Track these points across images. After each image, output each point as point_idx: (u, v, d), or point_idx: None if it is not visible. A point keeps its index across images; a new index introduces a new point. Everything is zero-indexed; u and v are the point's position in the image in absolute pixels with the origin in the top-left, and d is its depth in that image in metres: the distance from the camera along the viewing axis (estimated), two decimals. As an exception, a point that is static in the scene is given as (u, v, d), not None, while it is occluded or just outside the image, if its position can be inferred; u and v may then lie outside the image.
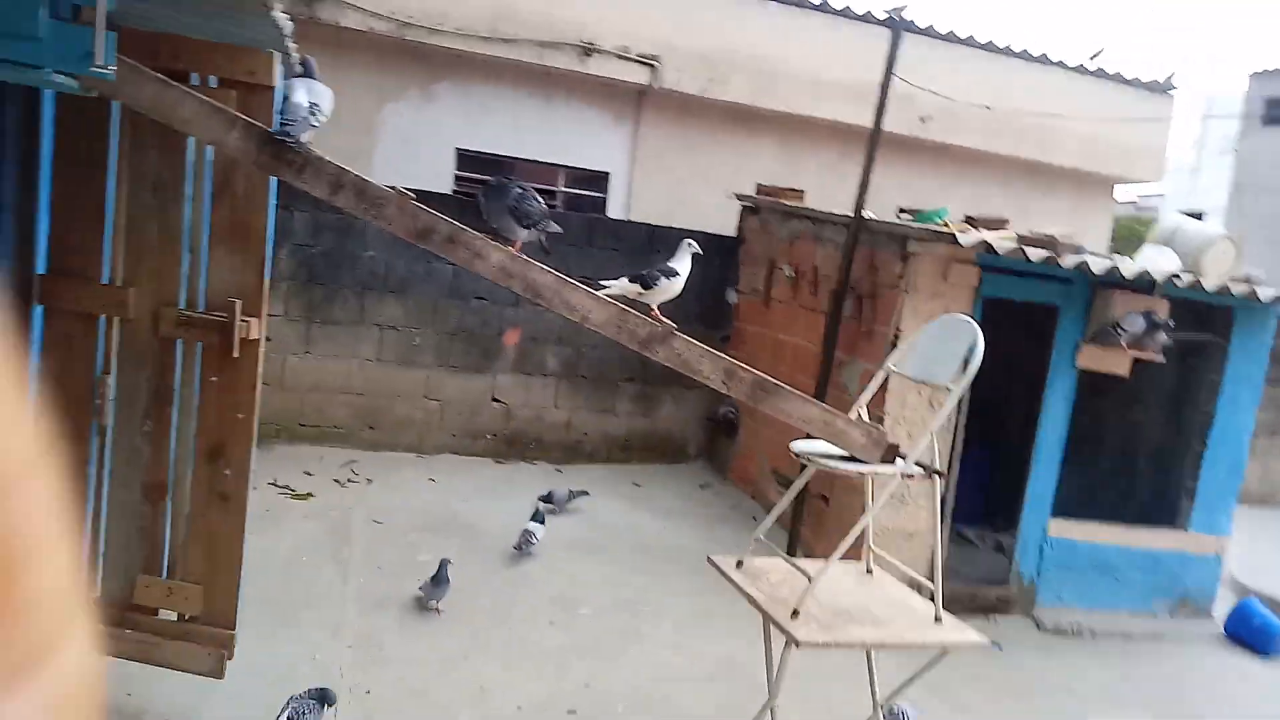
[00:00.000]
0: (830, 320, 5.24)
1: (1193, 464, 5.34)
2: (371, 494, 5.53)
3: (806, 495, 4.85)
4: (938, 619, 2.89)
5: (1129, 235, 15.65)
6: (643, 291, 2.74)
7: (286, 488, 5.36)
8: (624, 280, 2.74)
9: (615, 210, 7.69)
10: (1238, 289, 5.03)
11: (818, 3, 7.85)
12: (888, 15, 7.83)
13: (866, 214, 5.18)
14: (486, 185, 2.61)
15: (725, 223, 7.07)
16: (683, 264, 2.80)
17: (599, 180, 7.75)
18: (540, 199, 2.70)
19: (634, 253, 6.33)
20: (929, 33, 8.28)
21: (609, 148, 7.68)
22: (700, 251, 2.95)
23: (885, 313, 5.00)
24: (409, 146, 7.07)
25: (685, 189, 7.64)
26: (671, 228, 6.49)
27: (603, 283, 2.74)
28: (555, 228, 2.74)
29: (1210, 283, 4.97)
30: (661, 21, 7.26)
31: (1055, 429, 5.05)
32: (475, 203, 2.81)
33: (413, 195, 2.44)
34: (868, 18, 7.96)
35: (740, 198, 6.97)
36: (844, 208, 5.81)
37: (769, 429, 5.94)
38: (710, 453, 7.09)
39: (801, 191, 6.73)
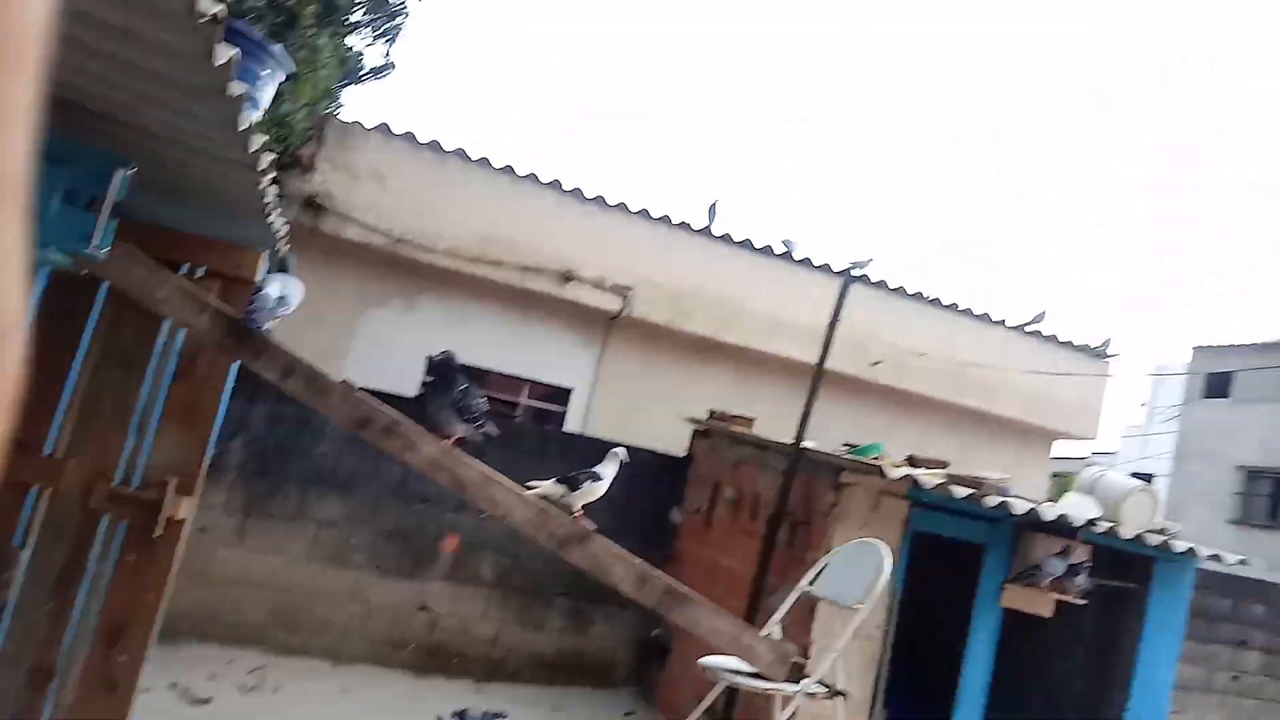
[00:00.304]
0: (765, 545, 5.38)
1: (1115, 713, 5.32)
2: (274, 705, 5.24)
3: (732, 712, 4.77)
4: None
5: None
6: (568, 493, 2.93)
7: (186, 691, 5.11)
8: (551, 482, 2.93)
9: (574, 425, 7.99)
10: (1153, 539, 5.26)
11: (780, 252, 8.62)
12: (845, 269, 8.60)
13: (806, 444, 5.47)
14: (430, 368, 2.84)
15: (677, 443, 7.35)
16: (608, 470, 3.01)
17: (562, 396, 8.12)
18: (482, 396, 2.94)
19: (585, 465, 6.52)
20: (882, 286, 9.04)
21: (575, 366, 8.11)
22: (628, 460, 3.17)
23: (817, 540, 5.15)
24: (383, 350, 7.44)
25: (642, 409, 8.00)
26: (624, 444, 6.74)
27: (530, 483, 2.92)
28: (494, 428, 2.96)
29: (1127, 531, 5.21)
30: (637, 257, 7.92)
31: (979, 667, 5.08)
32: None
33: (357, 387, 2.68)
34: (825, 268, 8.71)
35: (692, 420, 7.30)
36: (790, 438, 6.12)
37: (703, 651, 5.88)
38: (639, 678, 6.92)
39: (752, 419, 7.07)
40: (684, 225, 8.20)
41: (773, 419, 7.76)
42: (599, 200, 7.92)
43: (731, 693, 4.49)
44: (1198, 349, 21.83)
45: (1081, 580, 5.09)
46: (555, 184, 7.82)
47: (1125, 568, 5.53)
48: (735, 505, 6.19)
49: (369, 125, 7.34)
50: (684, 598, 2.89)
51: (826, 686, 2.98)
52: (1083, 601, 5.14)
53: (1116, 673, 5.51)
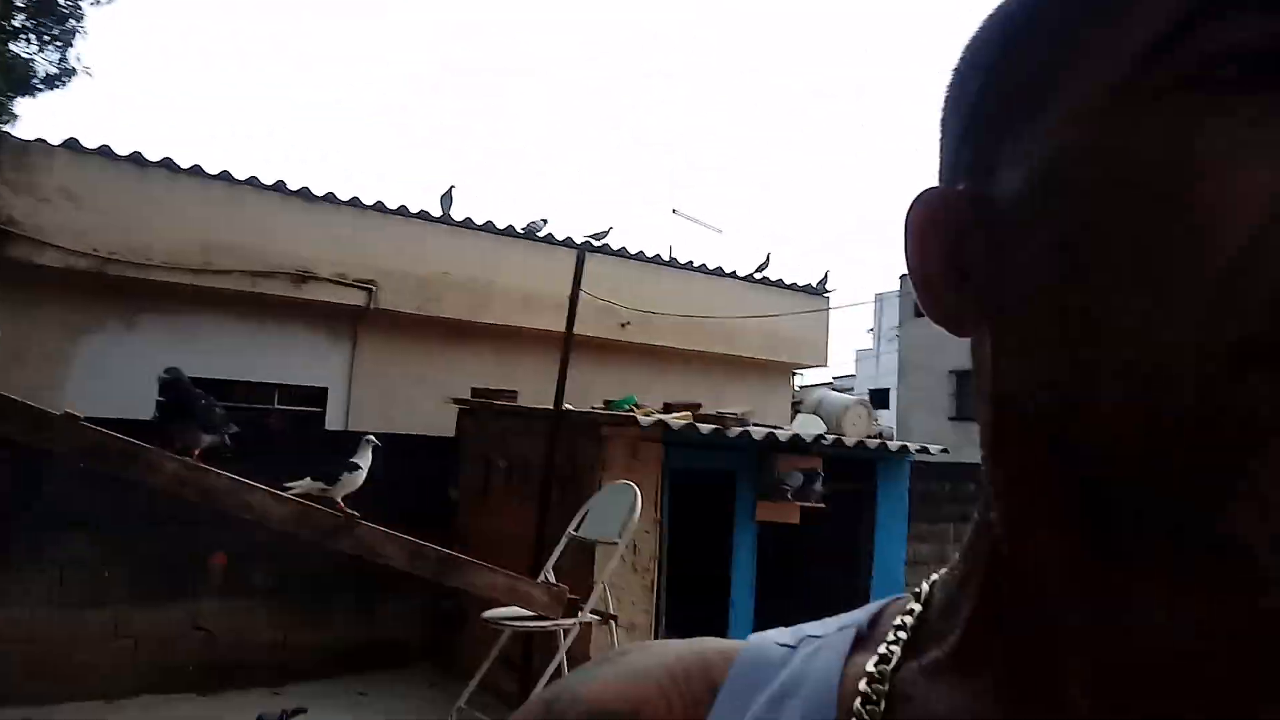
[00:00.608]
0: (541, 505, 5.64)
1: (863, 593, 6.15)
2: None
3: (531, 672, 5.02)
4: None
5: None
6: (326, 488, 2.99)
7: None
8: (307, 480, 2.98)
9: (334, 422, 7.82)
10: (872, 443, 6.08)
11: (524, 232, 8.85)
12: (581, 243, 9.00)
13: (567, 407, 5.77)
14: (162, 387, 2.81)
15: (445, 425, 7.43)
16: (364, 458, 3.10)
17: (317, 396, 7.90)
18: (220, 407, 2.93)
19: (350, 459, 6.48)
20: (623, 253, 9.55)
21: (327, 365, 7.91)
22: (380, 445, 3.28)
23: (588, 492, 5.46)
24: (108, 376, 6.89)
25: (404, 398, 7.98)
26: (392, 433, 6.75)
27: (287, 484, 2.96)
28: (234, 428, 2.96)
29: (849, 440, 5.99)
30: (378, 250, 7.84)
31: (745, 575, 5.68)
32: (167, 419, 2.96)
33: (82, 417, 2.59)
34: (569, 242, 9.04)
35: (456, 402, 7.40)
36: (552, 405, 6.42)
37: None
38: (437, 651, 7.04)
39: (515, 392, 7.28)
40: (423, 214, 8.20)
41: (538, 389, 8.01)
42: (329, 198, 7.74)
43: (528, 640, 4.71)
44: (902, 275, 24.70)
45: (819, 487, 5.80)
46: (280, 185, 7.55)
47: (855, 471, 6.34)
48: (509, 474, 6.40)
49: (54, 141, 6.72)
50: (458, 563, 3.07)
51: (600, 614, 3.29)
52: (823, 505, 5.86)
53: (861, 559, 6.34)
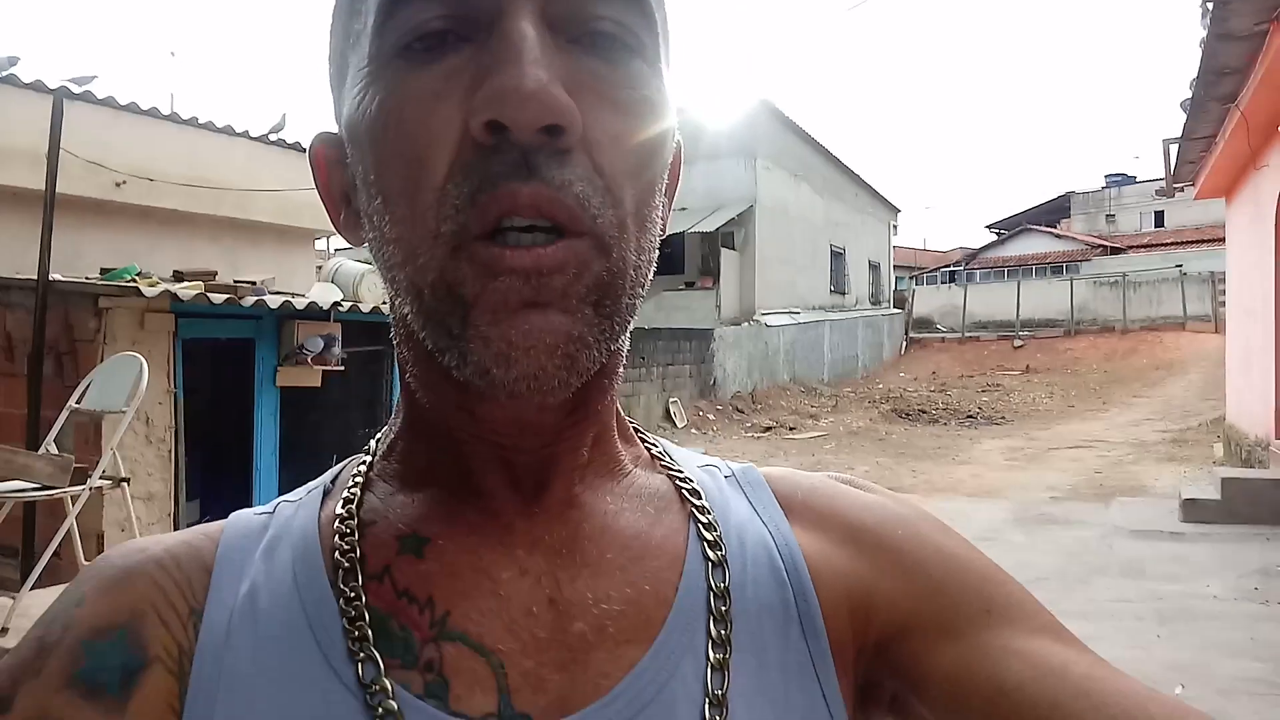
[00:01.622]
0: (31, 382, 5.30)
1: (381, 446, 6.90)
2: None
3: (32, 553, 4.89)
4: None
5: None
6: None
7: None
8: None
9: None
10: (385, 309, 6.67)
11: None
12: (58, 88, 7.90)
13: (54, 276, 5.38)
14: None
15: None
16: None
17: None
18: None
19: None
20: (112, 102, 8.57)
21: None
22: None
23: (87, 365, 5.29)
24: None
25: None
26: None
27: None
28: None
29: (366, 306, 6.50)
30: None
31: (269, 439, 6.02)
32: None
33: None
34: (39, 85, 7.88)
35: (-97, 270, 6.33)
36: (32, 273, 5.87)
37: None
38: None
39: (-17, 259, 6.44)
40: None
41: (14, 258, 7.17)
42: None
43: (29, 522, 4.56)
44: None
45: (337, 351, 6.27)
46: None
47: (373, 334, 6.90)
48: (-18, 352, 5.81)
49: None
50: (-56, 439, 3.05)
51: (110, 478, 3.48)
52: (342, 368, 6.35)
53: (380, 413, 7.00)
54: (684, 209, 18.75)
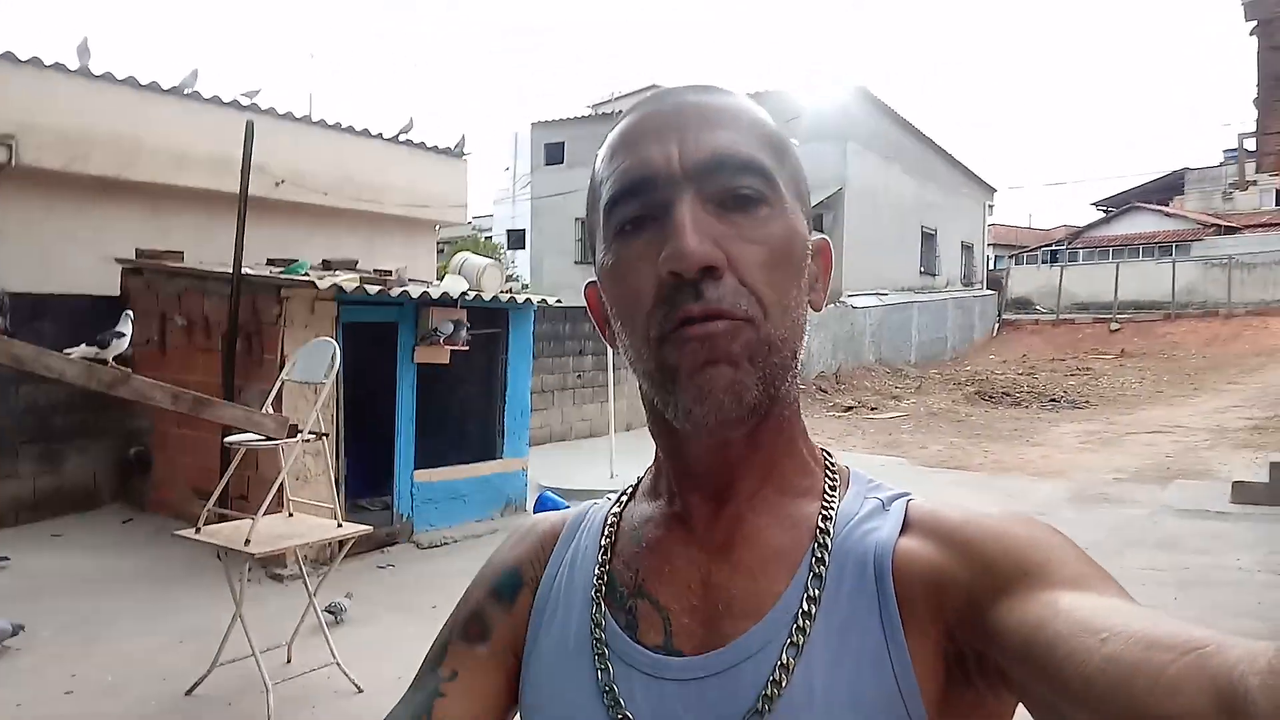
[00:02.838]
0: (226, 356, 6.59)
1: (499, 415, 8.04)
2: None
3: (229, 496, 6.19)
4: (339, 524, 4.66)
5: (475, 249, 19.15)
6: (100, 350, 3.94)
7: None
8: (83, 346, 3.88)
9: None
10: (503, 297, 7.77)
11: (171, 87, 8.90)
12: (230, 102, 9.25)
13: (245, 271, 6.65)
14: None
15: (106, 284, 7.78)
16: (126, 326, 4.06)
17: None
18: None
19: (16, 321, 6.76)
20: (271, 113, 9.94)
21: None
22: (135, 317, 4.22)
23: (271, 344, 6.56)
24: None
25: (58, 257, 8.07)
26: (47, 294, 7.05)
27: (67, 350, 3.85)
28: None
29: (487, 295, 7.62)
30: (13, 104, 7.62)
31: (407, 409, 7.21)
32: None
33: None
34: (217, 100, 9.26)
35: (120, 261, 7.76)
36: (217, 263, 7.19)
37: (185, 457, 7.04)
38: (126, 494, 7.76)
39: (180, 253, 7.82)
40: (59, 66, 8.00)
41: (197, 248, 8.56)
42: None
43: (223, 471, 5.81)
44: (535, 124, 26.20)
45: (464, 334, 7.40)
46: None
47: (491, 319, 8.02)
48: (188, 330, 7.15)
49: None
50: (209, 401, 4.23)
51: (315, 433, 4.63)
52: (467, 348, 7.48)
53: (496, 387, 8.14)
54: (774, 193, 19.39)
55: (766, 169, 0.63)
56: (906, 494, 0.69)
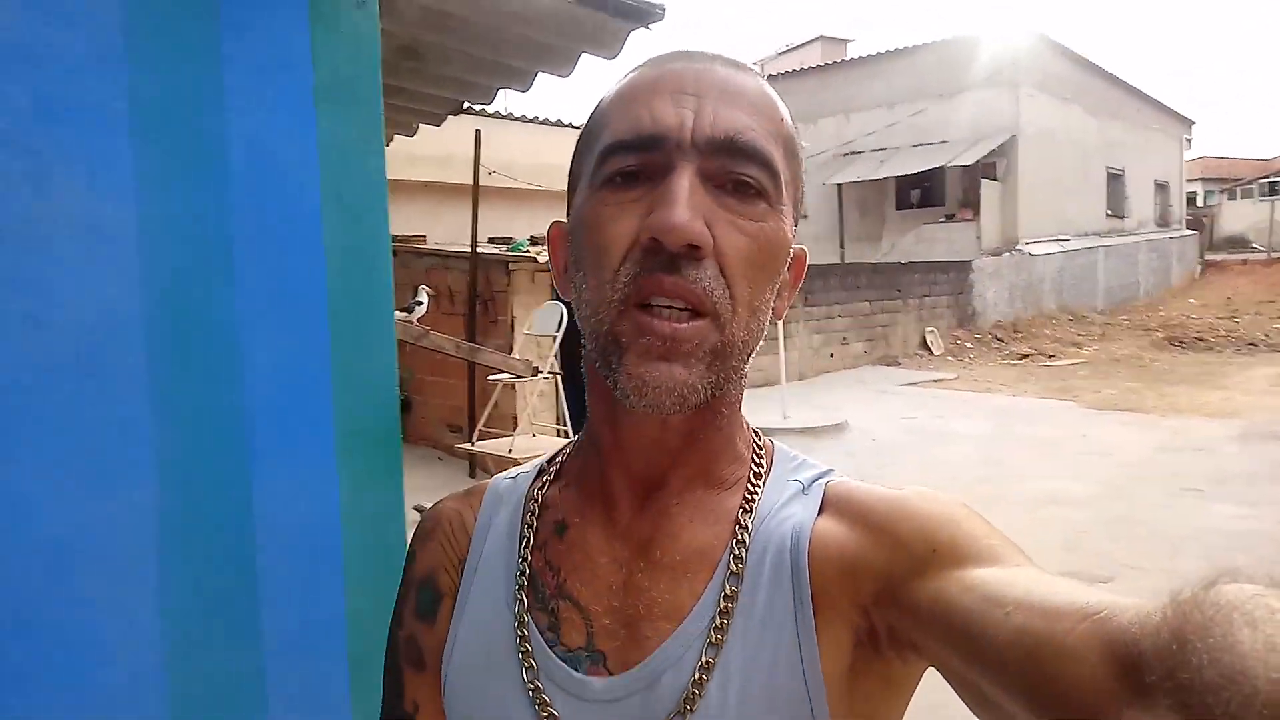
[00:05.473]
0: (469, 319, 8.18)
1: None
2: None
3: (478, 427, 7.81)
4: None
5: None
6: (407, 315, 5.46)
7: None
8: (397, 313, 5.41)
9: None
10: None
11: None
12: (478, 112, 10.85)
13: (479, 250, 8.21)
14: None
15: (369, 266, 9.60)
16: (423, 297, 5.57)
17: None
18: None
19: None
20: (482, 114, 11.59)
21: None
22: (434, 292, 5.72)
23: (502, 308, 8.09)
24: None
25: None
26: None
27: (384, 313, 5.39)
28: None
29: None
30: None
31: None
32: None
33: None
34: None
35: (379, 247, 9.55)
36: (449, 242, 8.77)
37: (436, 399, 8.77)
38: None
39: (424, 236, 9.51)
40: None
41: (427, 229, 10.28)
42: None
43: (470, 409, 7.38)
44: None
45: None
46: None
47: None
48: (435, 299, 8.82)
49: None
50: (479, 349, 5.71)
51: (552, 373, 6.05)
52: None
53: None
54: (944, 141, 19.44)
55: (774, 164, 0.61)
56: (828, 471, 0.68)
